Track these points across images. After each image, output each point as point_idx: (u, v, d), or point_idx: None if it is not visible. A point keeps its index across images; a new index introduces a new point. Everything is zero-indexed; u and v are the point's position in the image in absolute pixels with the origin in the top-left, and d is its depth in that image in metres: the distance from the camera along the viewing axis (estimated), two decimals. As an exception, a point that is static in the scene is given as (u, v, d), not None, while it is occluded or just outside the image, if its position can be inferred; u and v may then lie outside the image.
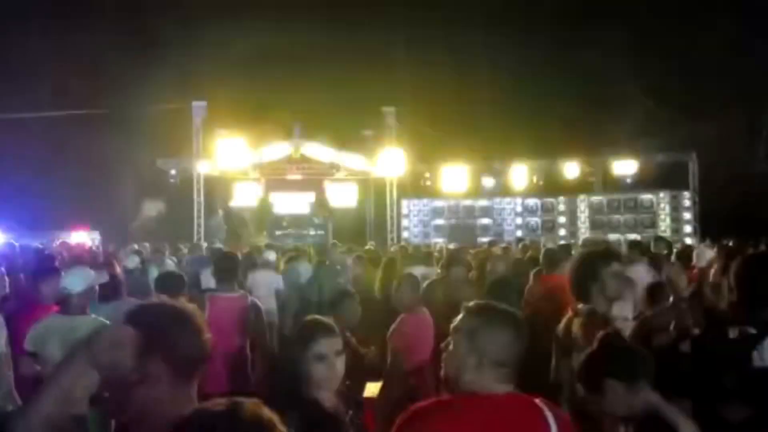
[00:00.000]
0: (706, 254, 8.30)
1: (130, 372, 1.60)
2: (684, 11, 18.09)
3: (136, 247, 11.16)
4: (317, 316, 2.80)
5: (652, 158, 19.26)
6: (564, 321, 3.56)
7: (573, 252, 7.59)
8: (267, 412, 1.37)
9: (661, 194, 19.41)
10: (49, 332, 4.26)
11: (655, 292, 4.86)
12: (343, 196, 20.01)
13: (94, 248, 13.42)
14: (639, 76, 18.45)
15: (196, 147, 18.22)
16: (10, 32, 18.14)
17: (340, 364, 2.58)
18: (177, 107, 18.44)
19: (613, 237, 18.10)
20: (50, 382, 1.65)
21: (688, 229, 18.94)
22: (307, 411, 2.42)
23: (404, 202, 20.38)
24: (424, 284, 6.22)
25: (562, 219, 20.03)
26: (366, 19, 19.21)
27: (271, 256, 9.17)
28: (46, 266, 5.86)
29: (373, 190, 20.50)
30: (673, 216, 19.27)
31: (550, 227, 19.92)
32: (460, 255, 7.66)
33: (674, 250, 9.40)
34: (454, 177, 19.89)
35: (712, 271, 5.19)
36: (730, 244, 9.76)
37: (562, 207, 20.06)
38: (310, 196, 19.60)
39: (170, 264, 9.56)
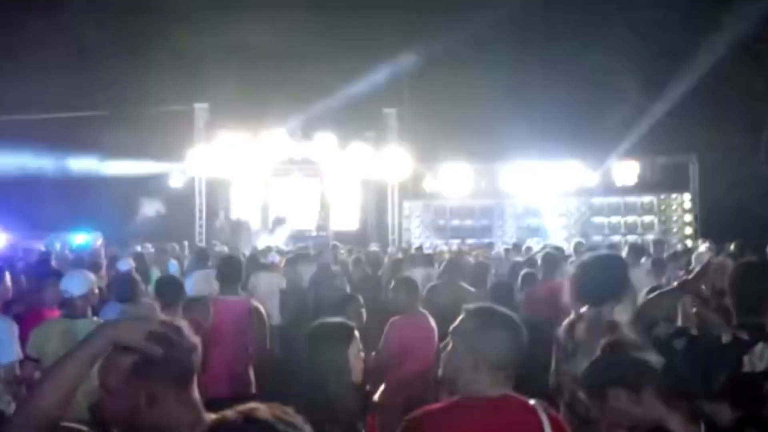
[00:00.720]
0: (704, 257, 8.29)
1: (133, 397, 1.66)
2: (686, 12, 18.08)
3: (138, 248, 11.17)
4: (339, 318, 3.04)
5: (653, 160, 19.25)
6: (565, 325, 3.55)
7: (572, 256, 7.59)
8: (291, 413, 1.38)
9: (662, 196, 19.40)
10: (49, 336, 4.28)
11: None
12: (344, 198, 20.01)
13: (95, 249, 13.41)
14: (639, 77, 18.43)
15: (198, 149, 18.25)
16: (10, 32, 18.16)
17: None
18: (179, 109, 18.49)
19: (613, 239, 18.11)
20: (50, 374, 1.66)
21: (688, 231, 18.91)
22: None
23: (406, 204, 20.37)
24: (427, 287, 6.25)
25: (563, 221, 20.01)
26: (368, 21, 19.22)
27: (274, 258, 9.21)
28: (46, 269, 5.88)
29: (374, 192, 20.50)
30: (674, 218, 19.26)
31: (550, 229, 19.89)
32: (461, 257, 7.69)
33: (674, 253, 9.41)
34: (456, 179, 19.88)
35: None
36: (731, 246, 9.73)
37: (562, 209, 20.05)
38: (311, 198, 19.61)
39: (174, 266, 9.58)
